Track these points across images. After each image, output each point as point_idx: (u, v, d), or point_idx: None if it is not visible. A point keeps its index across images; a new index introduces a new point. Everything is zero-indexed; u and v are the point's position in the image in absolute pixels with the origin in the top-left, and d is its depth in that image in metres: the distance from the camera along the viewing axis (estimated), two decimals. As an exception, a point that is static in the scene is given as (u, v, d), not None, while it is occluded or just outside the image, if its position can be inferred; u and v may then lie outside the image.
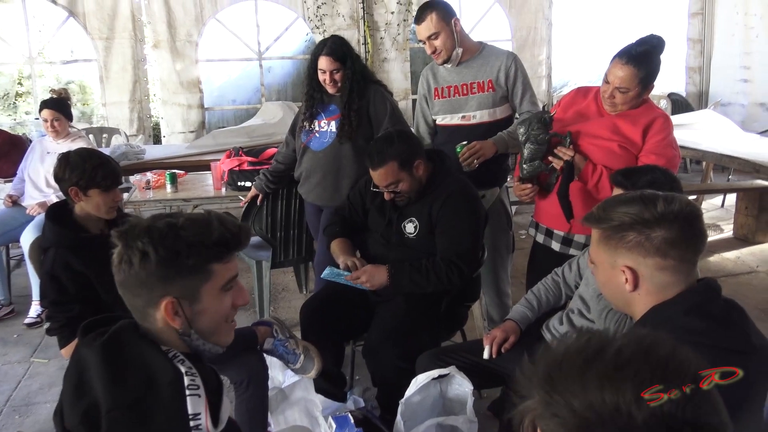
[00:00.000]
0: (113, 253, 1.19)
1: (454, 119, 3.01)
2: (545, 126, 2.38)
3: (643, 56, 2.30)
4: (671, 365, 0.73)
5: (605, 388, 0.71)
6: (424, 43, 2.91)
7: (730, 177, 6.12)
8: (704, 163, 5.80)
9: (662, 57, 2.36)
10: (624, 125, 2.38)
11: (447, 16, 2.86)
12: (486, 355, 2.12)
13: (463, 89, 2.96)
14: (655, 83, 2.37)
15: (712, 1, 7.38)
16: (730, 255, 4.59)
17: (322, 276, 2.59)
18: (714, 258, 4.53)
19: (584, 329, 0.82)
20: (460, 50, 2.91)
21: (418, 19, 2.89)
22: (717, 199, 5.88)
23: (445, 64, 2.97)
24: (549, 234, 2.60)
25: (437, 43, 2.87)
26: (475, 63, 2.95)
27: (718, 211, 5.64)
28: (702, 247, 1.33)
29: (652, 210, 1.29)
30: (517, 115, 3.04)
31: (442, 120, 3.05)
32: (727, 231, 5.07)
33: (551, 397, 0.74)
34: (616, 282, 1.36)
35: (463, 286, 2.54)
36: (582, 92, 2.59)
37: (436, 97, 3.03)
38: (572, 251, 2.50)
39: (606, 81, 2.37)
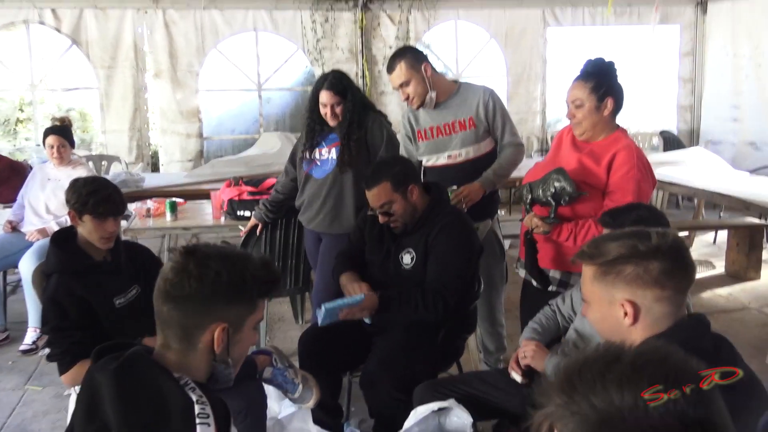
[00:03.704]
0: (170, 268, 1.23)
1: (440, 159, 3.06)
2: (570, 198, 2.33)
3: (590, 72, 2.40)
4: (680, 368, 0.79)
5: (624, 387, 0.76)
6: (399, 90, 2.98)
7: (721, 214, 6.20)
8: (696, 200, 5.87)
9: (618, 77, 2.41)
10: (589, 163, 2.38)
11: (416, 62, 2.93)
12: (519, 380, 2.08)
13: (446, 129, 3.03)
14: (615, 100, 2.36)
15: (703, 42, 7.56)
16: (723, 291, 4.63)
17: (320, 324, 2.44)
18: (706, 294, 4.57)
19: (599, 345, 0.87)
20: (433, 93, 2.97)
21: (389, 68, 2.98)
22: (709, 236, 5.94)
23: (420, 108, 3.04)
24: None
25: (409, 90, 2.95)
26: (453, 102, 3.02)
27: (710, 248, 5.68)
28: (693, 277, 1.40)
29: (647, 243, 1.33)
30: (498, 149, 3.08)
31: (428, 161, 3.10)
32: (719, 268, 5.12)
33: (572, 398, 0.78)
34: (614, 317, 1.37)
35: (460, 318, 2.56)
36: (566, 129, 2.58)
37: (420, 139, 3.10)
38: (550, 288, 2.50)
39: (567, 106, 2.44)
